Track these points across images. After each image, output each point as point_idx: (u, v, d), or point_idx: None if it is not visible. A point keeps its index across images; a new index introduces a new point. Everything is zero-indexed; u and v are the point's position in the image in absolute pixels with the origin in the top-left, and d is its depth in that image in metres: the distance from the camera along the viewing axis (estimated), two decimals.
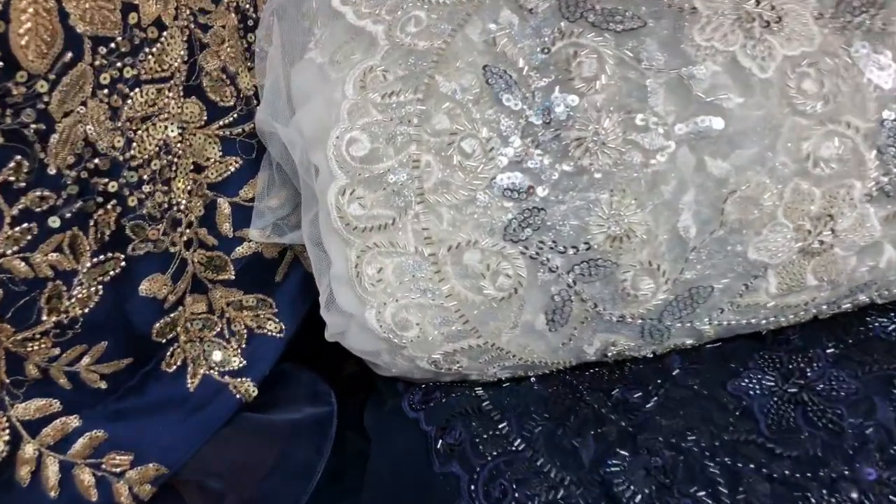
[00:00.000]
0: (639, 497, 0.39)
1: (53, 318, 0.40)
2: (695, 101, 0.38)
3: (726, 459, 0.40)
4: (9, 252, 0.38)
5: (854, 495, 0.38)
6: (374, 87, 0.41)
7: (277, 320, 0.50)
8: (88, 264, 0.41)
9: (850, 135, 0.38)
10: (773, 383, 0.43)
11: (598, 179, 0.39)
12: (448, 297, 0.40)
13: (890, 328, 0.45)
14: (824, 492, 0.39)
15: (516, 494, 0.40)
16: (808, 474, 0.39)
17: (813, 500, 0.38)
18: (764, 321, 0.44)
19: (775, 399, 0.43)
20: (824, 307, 0.44)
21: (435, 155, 0.40)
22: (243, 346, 0.49)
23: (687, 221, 0.39)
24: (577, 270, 0.40)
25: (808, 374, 0.44)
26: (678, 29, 0.39)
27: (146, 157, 0.42)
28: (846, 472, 0.39)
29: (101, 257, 0.41)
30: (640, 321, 0.42)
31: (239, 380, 0.48)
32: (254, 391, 0.48)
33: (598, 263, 0.39)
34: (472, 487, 0.41)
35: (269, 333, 0.49)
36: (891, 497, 0.38)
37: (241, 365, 0.48)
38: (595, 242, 0.39)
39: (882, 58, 0.38)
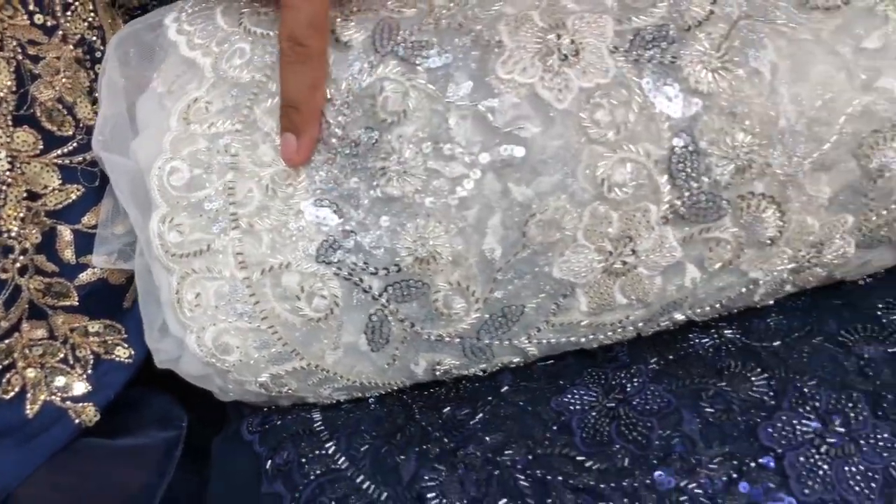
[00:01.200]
0: None
1: None
2: (496, 132, 0.40)
3: (538, 472, 0.42)
4: None
5: (651, 503, 0.40)
6: (198, 118, 0.42)
7: (126, 346, 0.50)
8: None
9: (643, 161, 0.40)
10: (594, 398, 0.45)
11: (407, 205, 0.40)
12: (264, 319, 0.41)
13: (708, 344, 0.47)
14: (625, 500, 0.40)
15: None
16: (612, 484, 0.41)
17: None
18: (584, 339, 0.45)
19: (594, 413, 0.44)
20: (641, 325, 0.45)
21: (256, 182, 0.41)
22: (89, 371, 0.49)
23: (492, 244, 0.41)
24: (391, 291, 0.41)
25: (628, 389, 0.45)
26: (484, 62, 0.41)
27: None
28: (647, 482, 0.41)
29: None
30: (458, 339, 0.43)
31: (81, 405, 0.48)
32: (95, 416, 0.48)
33: (409, 284, 0.41)
34: None
35: (118, 359, 0.50)
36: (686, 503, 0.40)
37: (85, 391, 0.48)
38: (404, 264, 0.41)
39: (670, 89, 0.40)
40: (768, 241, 0.42)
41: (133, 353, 0.50)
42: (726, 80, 0.40)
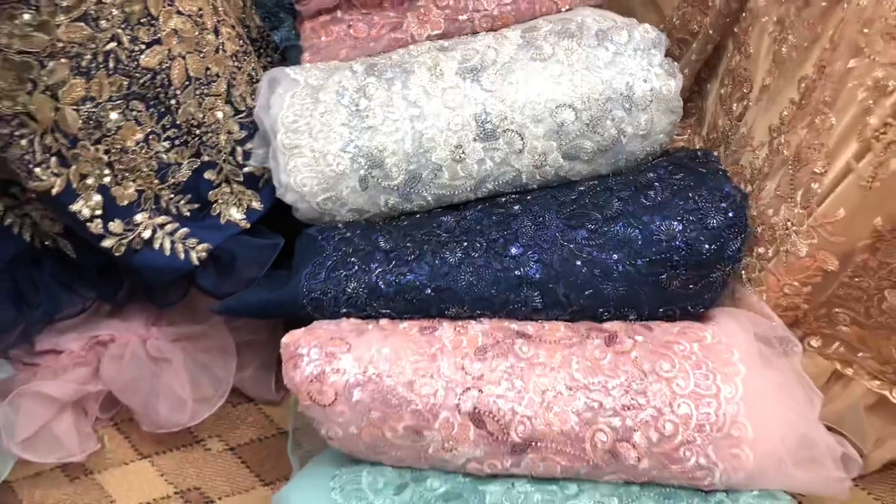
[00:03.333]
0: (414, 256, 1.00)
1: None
2: (409, 102, 1.01)
3: (420, 236, 1.01)
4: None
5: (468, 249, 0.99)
6: (298, 100, 1.04)
7: (259, 201, 1.11)
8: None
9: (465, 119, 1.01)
10: (454, 216, 1.05)
11: (378, 131, 1.01)
12: (319, 173, 1.02)
13: (504, 200, 1.06)
14: (457, 249, 0.99)
15: (348, 258, 1.01)
16: (456, 241, 1.00)
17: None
18: (449, 193, 1.05)
19: (451, 221, 1.04)
20: (474, 188, 1.05)
21: (318, 118, 1.03)
22: (245, 208, 1.10)
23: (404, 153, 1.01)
24: (367, 165, 1.02)
25: (467, 213, 1.05)
26: (406, 77, 1.03)
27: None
28: (466, 243, 1.00)
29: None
30: (397, 189, 1.03)
31: (240, 220, 1.09)
32: (246, 225, 1.09)
33: (376, 162, 1.01)
34: (328, 250, 1.02)
35: (255, 207, 1.11)
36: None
37: (241, 217, 1.10)
38: (380, 157, 1.01)
39: (477, 87, 1.01)
40: (518, 150, 1.02)
41: (262, 206, 1.11)
42: (502, 84, 1.01)
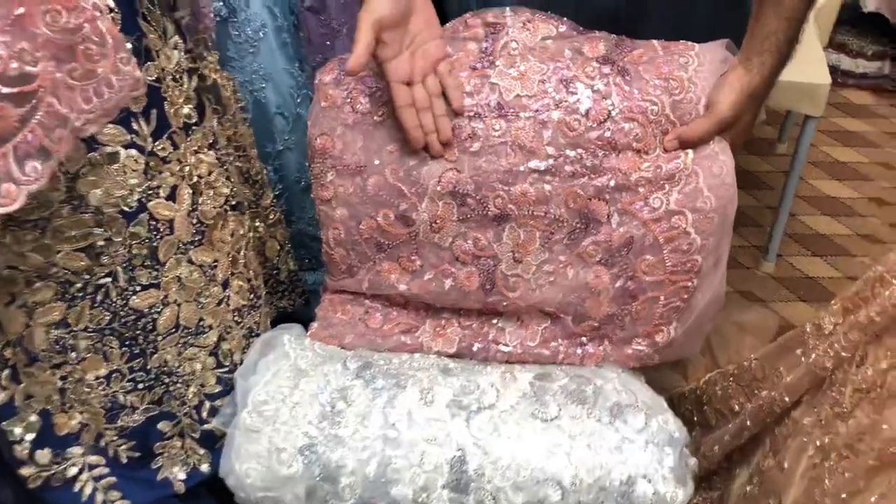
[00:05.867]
0: None
1: None
2: None
3: None
4: None
5: None
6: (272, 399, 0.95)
7: (209, 465, 1.00)
8: None
9: None
10: None
11: None
12: (267, 469, 0.90)
13: None
14: None
15: None
16: None
17: None
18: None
19: None
20: None
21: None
22: (188, 472, 0.99)
23: None
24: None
25: None
26: None
27: None
28: None
29: None
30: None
31: (178, 482, 0.97)
32: (181, 489, 0.97)
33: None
34: None
35: (202, 470, 0.99)
36: None
37: (182, 478, 0.98)
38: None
39: None
40: None
41: (210, 469, 0.99)
42: None
